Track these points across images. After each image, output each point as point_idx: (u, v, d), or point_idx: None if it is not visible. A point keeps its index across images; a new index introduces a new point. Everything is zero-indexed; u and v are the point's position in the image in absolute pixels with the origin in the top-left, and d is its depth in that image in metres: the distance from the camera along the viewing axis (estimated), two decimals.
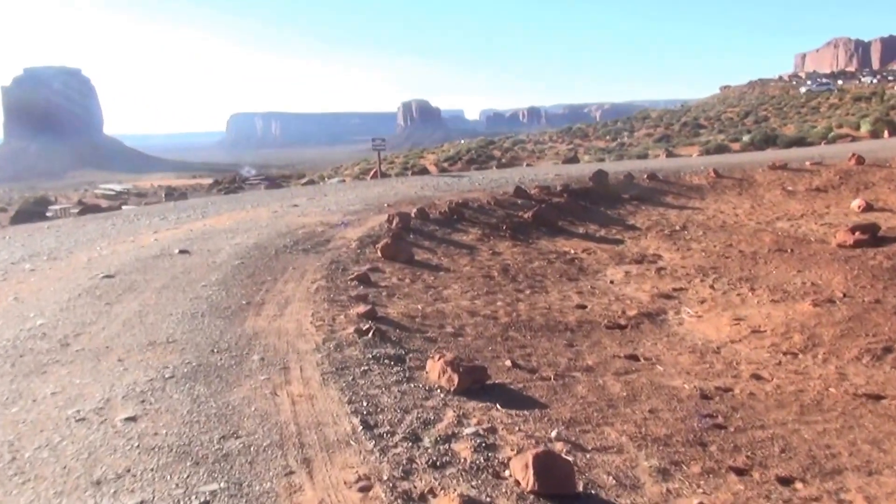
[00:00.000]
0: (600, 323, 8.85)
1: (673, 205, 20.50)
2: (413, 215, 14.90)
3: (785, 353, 7.95)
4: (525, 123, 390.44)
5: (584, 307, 9.68)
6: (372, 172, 28.09)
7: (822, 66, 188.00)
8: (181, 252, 11.17)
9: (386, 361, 6.44)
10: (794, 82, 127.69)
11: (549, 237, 15.70)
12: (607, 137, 76.77)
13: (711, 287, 10.81)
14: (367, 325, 7.33)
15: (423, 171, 29.28)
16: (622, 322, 8.94)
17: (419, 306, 8.89)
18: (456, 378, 5.81)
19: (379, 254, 11.84)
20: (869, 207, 18.31)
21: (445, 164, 71.33)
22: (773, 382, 6.94)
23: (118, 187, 78.11)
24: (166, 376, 5.87)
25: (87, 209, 19.58)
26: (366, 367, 6.22)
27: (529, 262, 12.82)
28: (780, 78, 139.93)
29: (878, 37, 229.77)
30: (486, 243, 14.14)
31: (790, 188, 22.38)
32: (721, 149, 40.52)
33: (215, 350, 6.56)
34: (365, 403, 5.39)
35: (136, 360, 6.32)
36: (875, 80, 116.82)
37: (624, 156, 43.01)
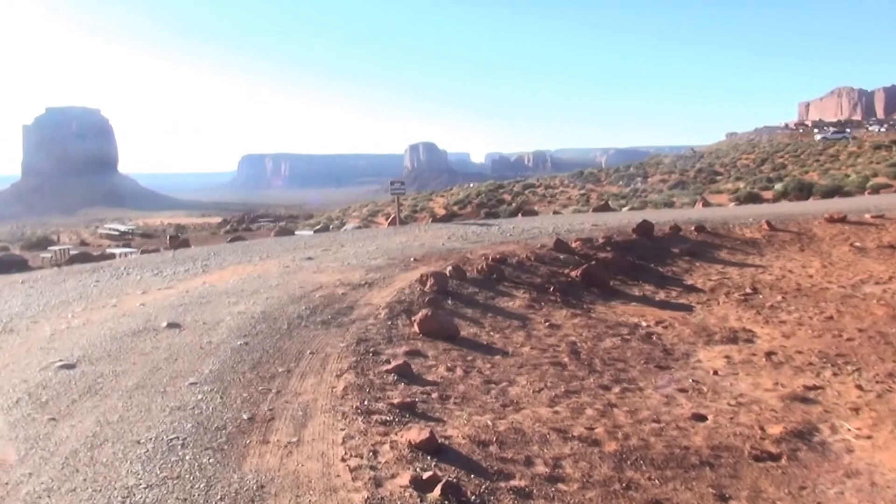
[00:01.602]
0: (742, 450, 6.34)
1: (730, 261, 18.18)
2: (448, 275, 12.51)
3: None
4: (530, 167, 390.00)
5: (702, 418, 7.18)
6: (390, 219, 25.75)
7: (826, 115, 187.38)
8: (169, 326, 8.75)
9: None
10: (801, 130, 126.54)
11: (603, 301, 13.36)
12: (620, 183, 75.19)
13: (858, 387, 8.30)
14: (430, 474, 4.87)
15: (450, 217, 26.89)
16: (771, 448, 6.43)
17: (487, 420, 6.42)
18: None
19: (416, 329, 9.46)
20: None
21: (455, 208, 69.56)
22: None
23: (122, 227, 75.43)
24: None
25: (75, 258, 17.24)
26: None
27: (598, 339, 10.37)
28: (787, 126, 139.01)
29: (881, 86, 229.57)
30: (538, 311, 11.74)
31: (858, 244, 20.01)
32: (753, 198, 38.29)
33: None
34: None
35: None
36: (883, 129, 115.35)
37: (647, 203, 40.74)
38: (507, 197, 70.46)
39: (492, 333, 10.07)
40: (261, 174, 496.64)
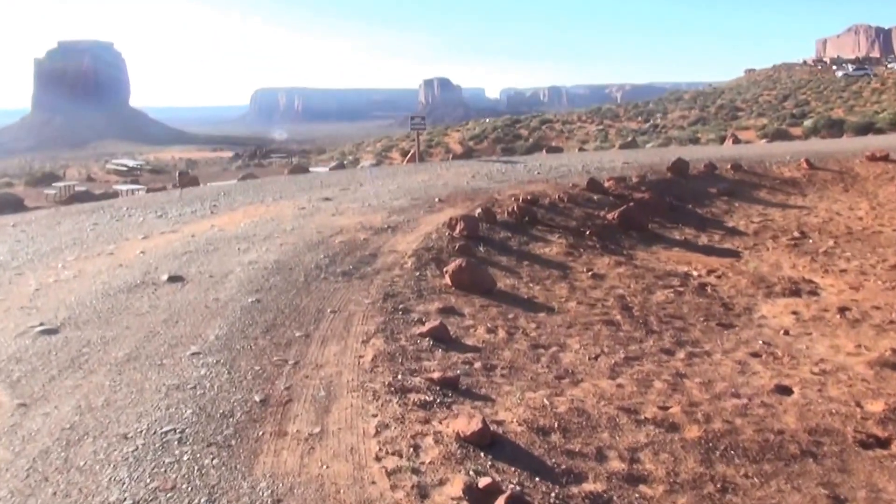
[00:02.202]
0: (844, 434, 5.32)
1: (770, 202, 17.07)
2: (478, 218, 11.44)
3: None
4: (546, 103, 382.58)
5: (787, 391, 6.16)
6: (409, 155, 24.52)
7: (844, 52, 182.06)
8: (171, 279, 7.74)
9: None
10: (820, 67, 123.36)
11: (644, 246, 12.35)
12: (639, 119, 73.31)
13: None
14: (488, 481, 3.88)
15: (470, 154, 25.63)
16: (877, 431, 5.41)
17: (543, 397, 5.43)
18: None
19: (448, 281, 8.44)
20: None
21: (471, 144, 68.10)
22: None
23: (131, 163, 73.23)
24: None
25: (74, 197, 16.21)
26: None
27: (649, 291, 9.34)
28: (805, 62, 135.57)
29: None
30: (578, 258, 10.70)
31: None
32: (781, 134, 36.74)
33: None
34: None
35: None
36: None
37: (671, 140, 39.19)
38: (524, 132, 68.78)
39: (531, 285, 9.05)
40: (274, 108, 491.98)
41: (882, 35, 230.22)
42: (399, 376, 5.53)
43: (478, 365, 6.08)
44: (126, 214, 12.32)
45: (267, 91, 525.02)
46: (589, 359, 6.62)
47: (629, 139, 32.59)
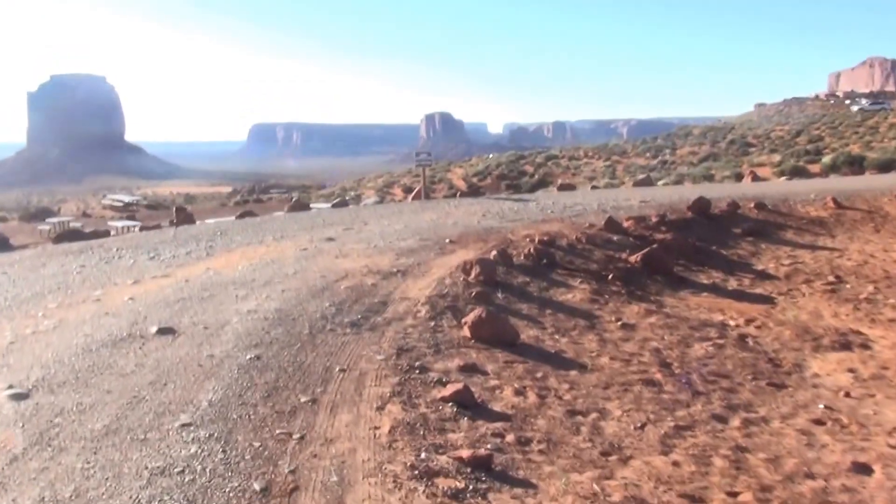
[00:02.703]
0: None
1: (798, 243, 16.30)
2: (494, 261, 10.69)
3: None
4: (550, 138, 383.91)
5: (867, 469, 5.34)
6: (415, 192, 23.81)
7: (858, 86, 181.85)
8: (161, 331, 6.93)
9: None
10: (833, 101, 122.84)
11: (671, 290, 11.62)
12: (647, 155, 72.71)
13: None
14: None
15: (477, 191, 24.96)
16: None
17: (591, 481, 4.62)
18: None
19: (467, 333, 7.66)
20: None
21: (474, 180, 67.60)
22: None
23: (127, 198, 72.24)
24: None
25: (63, 236, 15.41)
26: None
27: (686, 345, 8.54)
28: (817, 97, 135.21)
29: None
30: (604, 306, 9.93)
31: None
32: (799, 171, 36.10)
33: None
34: None
35: None
36: None
37: (684, 177, 38.56)
38: (529, 168, 68.23)
39: (556, 337, 8.25)
40: (272, 143, 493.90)
41: None
42: (422, 454, 4.72)
43: (511, 438, 5.27)
44: (116, 256, 11.54)
45: (265, 125, 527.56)
46: (634, 428, 5.80)
47: (643, 176, 31.89)
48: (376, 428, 5.09)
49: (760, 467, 5.25)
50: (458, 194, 24.98)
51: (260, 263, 10.43)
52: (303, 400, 5.45)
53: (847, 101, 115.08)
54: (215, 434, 4.74)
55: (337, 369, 6.21)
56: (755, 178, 30.25)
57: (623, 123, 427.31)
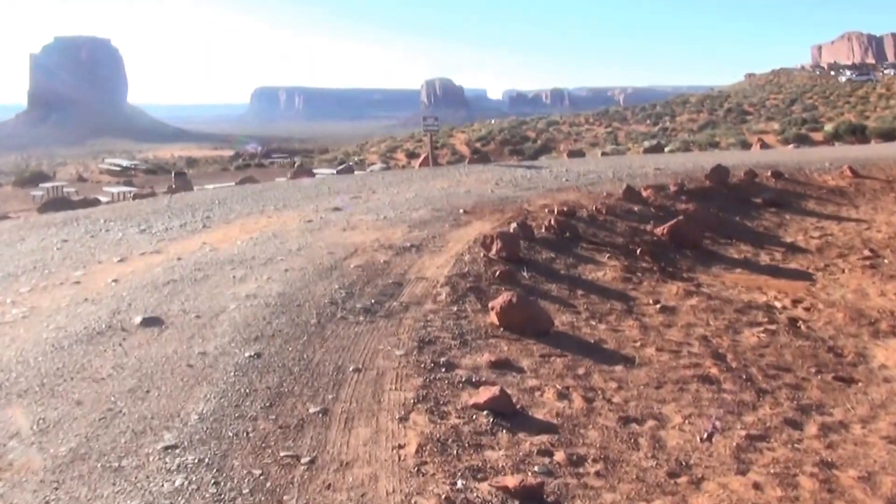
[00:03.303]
0: None
1: (822, 213, 15.47)
2: (516, 234, 9.79)
3: None
4: (548, 105, 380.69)
5: None
6: (422, 158, 22.78)
7: (839, 58, 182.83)
8: (146, 322, 6.03)
9: None
10: (819, 72, 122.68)
11: (703, 266, 10.82)
12: (647, 122, 71.99)
13: None
14: None
15: (484, 159, 23.95)
16: None
17: None
18: None
19: (494, 319, 6.80)
20: None
21: (478, 145, 66.58)
22: None
23: (125, 162, 70.29)
24: None
25: (50, 204, 14.46)
26: None
27: (734, 330, 7.69)
28: (804, 67, 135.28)
29: (890, 32, 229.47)
30: (638, 285, 9.06)
31: None
32: (802, 139, 35.16)
33: None
34: None
35: None
36: None
37: (689, 144, 37.57)
38: (532, 134, 67.31)
39: (592, 323, 7.38)
40: (275, 107, 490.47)
41: (874, 42, 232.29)
42: (459, 482, 3.88)
43: (560, 456, 4.41)
44: (103, 228, 10.59)
45: (267, 89, 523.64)
46: (701, 440, 4.94)
47: (653, 143, 30.85)
48: (401, 447, 4.24)
49: (855, 489, 4.42)
50: (466, 160, 23.97)
51: (261, 237, 9.51)
52: (312, 410, 4.59)
53: (832, 73, 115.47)
54: (206, 459, 3.87)
55: (350, 369, 5.34)
56: (763, 145, 29.20)
57: (619, 91, 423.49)
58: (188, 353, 5.33)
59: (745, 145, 32.27)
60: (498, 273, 8.23)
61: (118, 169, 61.06)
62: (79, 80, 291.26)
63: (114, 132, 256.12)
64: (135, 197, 16.13)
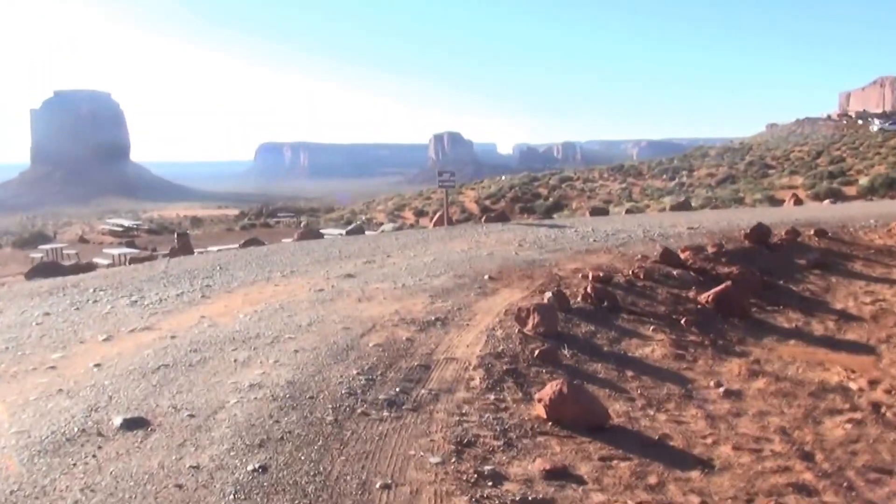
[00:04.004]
0: None
1: (871, 276, 14.46)
2: (551, 305, 8.81)
3: None
4: (560, 159, 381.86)
5: None
6: (437, 217, 21.90)
7: (868, 105, 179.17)
8: (128, 424, 4.99)
9: None
10: (846, 121, 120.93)
11: (753, 338, 9.86)
12: (664, 177, 71.22)
13: None
14: None
15: (502, 218, 23.07)
16: None
17: None
18: None
19: (541, 412, 5.78)
20: None
21: (487, 202, 66.00)
22: None
23: (127, 222, 69.42)
24: None
25: (38, 269, 13.53)
26: None
27: (814, 421, 6.66)
28: (829, 116, 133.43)
29: None
30: (693, 363, 8.08)
31: None
32: (834, 193, 34.22)
33: None
34: None
35: None
36: None
37: (713, 200, 36.68)
38: (543, 190, 66.62)
39: (651, 413, 6.34)
40: (279, 164, 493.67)
41: None
42: None
43: None
44: (91, 299, 9.59)
45: (272, 145, 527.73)
46: None
47: (681, 199, 29.95)
48: None
49: None
50: (483, 219, 23.04)
51: (266, 310, 8.52)
52: None
53: (860, 122, 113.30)
54: None
55: (378, 485, 4.31)
56: (797, 201, 28.26)
57: (633, 144, 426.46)
58: (177, 467, 4.29)
59: (773, 201, 31.35)
60: (537, 353, 7.23)
61: (120, 229, 60.19)
62: (80, 136, 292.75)
63: (117, 190, 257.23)
64: (131, 261, 15.16)
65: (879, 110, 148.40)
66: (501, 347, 7.31)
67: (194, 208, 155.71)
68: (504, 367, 6.76)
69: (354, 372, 6.22)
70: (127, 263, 15.21)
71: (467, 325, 8.16)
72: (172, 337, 7.20)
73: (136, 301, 9.24)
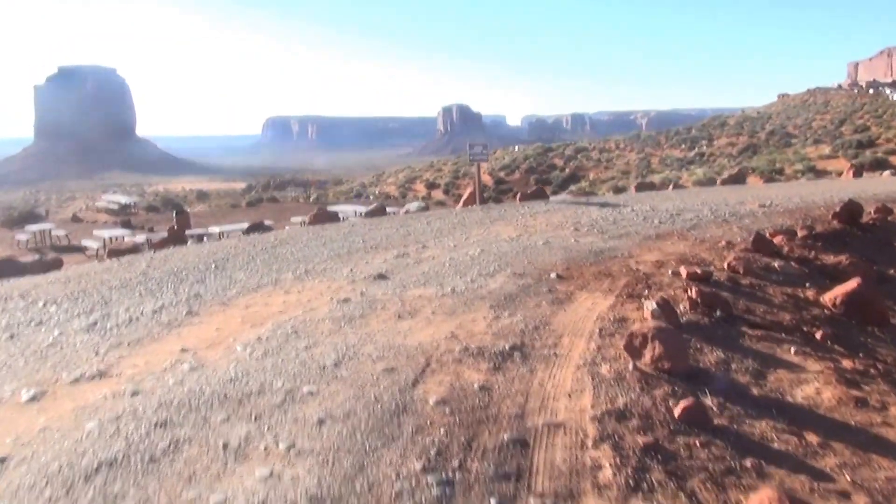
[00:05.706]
0: None
1: None
2: (673, 327, 6.38)
3: None
4: (569, 130, 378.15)
5: None
6: (467, 195, 19.42)
7: (877, 75, 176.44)
8: None
9: None
10: (857, 90, 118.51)
11: None
12: (682, 146, 68.68)
13: None
14: None
15: (540, 194, 20.57)
16: None
17: None
18: None
19: None
20: None
21: (501, 174, 63.58)
22: None
23: (124, 199, 65.18)
24: None
25: (4, 266, 11.16)
26: None
27: None
28: (840, 86, 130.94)
29: None
30: (881, 412, 5.62)
31: None
32: (880, 164, 31.73)
33: None
34: None
35: None
36: None
37: (749, 170, 34.14)
38: (559, 161, 64.07)
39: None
40: (287, 137, 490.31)
41: None
42: None
43: None
44: (37, 319, 7.14)
45: (280, 119, 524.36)
46: None
47: (735, 171, 27.32)
48: None
49: None
50: (517, 196, 20.56)
51: (274, 336, 6.11)
52: None
53: (870, 91, 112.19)
54: None
55: None
56: (857, 173, 25.58)
57: (642, 115, 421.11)
58: None
59: (814, 171, 28.72)
60: (679, 411, 4.81)
61: (117, 206, 56.92)
62: (84, 111, 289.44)
63: (122, 165, 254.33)
64: (110, 254, 12.73)
65: (888, 80, 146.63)
66: (621, 400, 4.94)
67: (200, 182, 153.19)
68: (640, 441, 4.39)
69: (418, 467, 3.84)
70: (105, 257, 12.74)
71: (555, 355, 5.79)
72: (133, 394, 4.77)
73: (95, 323, 6.79)
